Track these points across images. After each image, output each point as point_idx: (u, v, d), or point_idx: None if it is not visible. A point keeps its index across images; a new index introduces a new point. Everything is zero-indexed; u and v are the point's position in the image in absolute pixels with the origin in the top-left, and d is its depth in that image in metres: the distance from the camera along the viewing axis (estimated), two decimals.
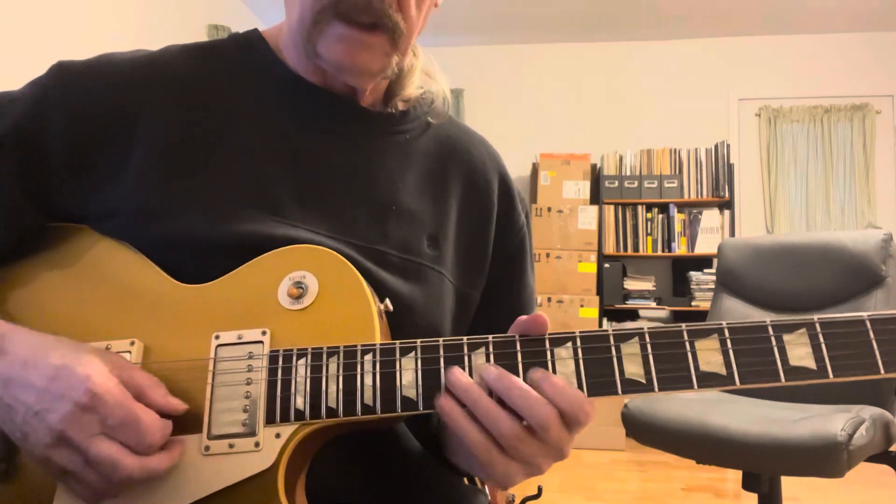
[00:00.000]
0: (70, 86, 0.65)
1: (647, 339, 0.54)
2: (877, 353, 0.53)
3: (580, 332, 0.55)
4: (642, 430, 1.79)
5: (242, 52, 0.73)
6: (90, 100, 0.64)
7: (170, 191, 0.63)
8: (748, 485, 1.74)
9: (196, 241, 0.62)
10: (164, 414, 0.54)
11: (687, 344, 0.54)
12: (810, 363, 0.53)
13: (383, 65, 0.66)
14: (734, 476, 3.03)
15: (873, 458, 1.61)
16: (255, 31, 0.75)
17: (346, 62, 0.65)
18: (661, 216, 4.23)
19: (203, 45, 0.73)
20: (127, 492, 0.53)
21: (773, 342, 0.54)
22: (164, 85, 0.67)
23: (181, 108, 0.66)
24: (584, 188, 4.14)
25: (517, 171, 4.55)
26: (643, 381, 0.53)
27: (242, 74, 0.71)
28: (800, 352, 0.53)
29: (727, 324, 0.54)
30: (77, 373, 0.51)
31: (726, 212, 4.16)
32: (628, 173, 4.26)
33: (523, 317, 0.56)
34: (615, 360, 0.54)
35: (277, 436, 0.54)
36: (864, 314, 0.54)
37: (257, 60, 0.72)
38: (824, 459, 1.45)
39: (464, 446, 0.54)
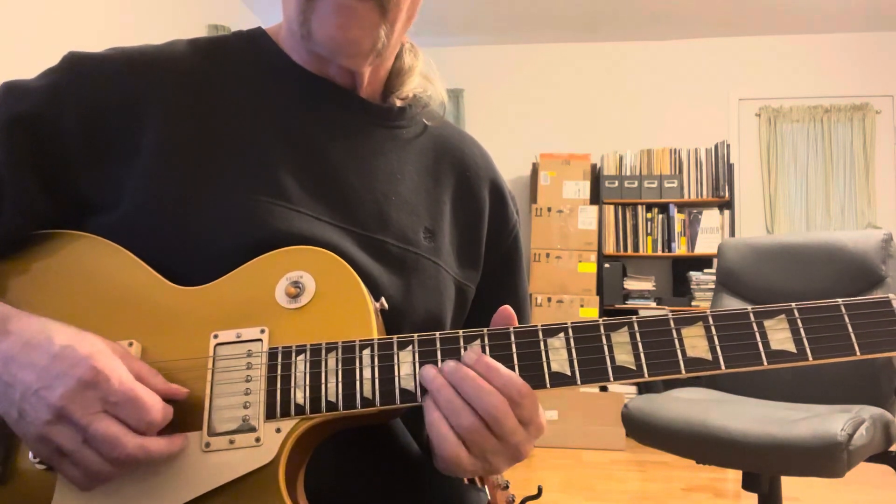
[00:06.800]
0: (83, 73, 0.67)
1: (636, 328, 0.57)
2: (852, 335, 0.55)
3: (572, 323, 0.57)
4: (642, 430, 1.79)
5: (246, 45, 0.75)
6: (102, 87, 0.66)
7: (178, 181, 0.64)
8: (748, 485, 1.74)
9: (199, 236, 0.63)
10: (165, 399, 0.54)
11: (674, 331, 0.57)
12: (790, 347, 0.56)
13: (373, 39, 0.67)
14: (734, 476, 3.03)
15: (873, 458, 1.61)
16: (259, 28, 0.77)
17: (339, 36, 0.66)
18: (661, 216, 4.23)
19: (208, 39, 0.75)
20: (127, 486, 0.53)
21: (755, 328, 0.56)
22: (171, 74, 0.69)
23: (187, 97, 0.68)
24: (584, 188, 4.14)
25: (517, 171, 4.55)
26: (633, 367, 0.56)
27: (246, 65, 0.73)
28: (780, 336, 0.56)
29: (711, 311, 0.57)
30: (80, 352, 0.52)
31: (726, 212, 4.16)
32: (628, 173, 4.26)
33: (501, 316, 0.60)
34: (606, 348, 0.57)
35: (278, 430, 0.55)
36: (839, 300, 0.57)
37: (261, 52, 0.74)
38: (824, 459, 1.45)
39: (433, 437, 0.55)
